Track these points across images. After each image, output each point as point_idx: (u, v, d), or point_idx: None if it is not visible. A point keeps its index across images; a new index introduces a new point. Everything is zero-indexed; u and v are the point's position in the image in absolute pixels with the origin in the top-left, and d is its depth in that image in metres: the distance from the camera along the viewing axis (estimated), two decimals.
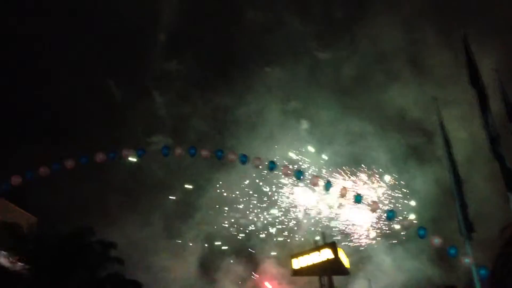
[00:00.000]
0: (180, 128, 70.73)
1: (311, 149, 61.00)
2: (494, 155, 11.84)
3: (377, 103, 67.94)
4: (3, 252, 21.14)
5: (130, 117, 70.42)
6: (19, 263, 20.86)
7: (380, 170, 63.29)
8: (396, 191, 59.23)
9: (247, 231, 62.07)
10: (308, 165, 60.55)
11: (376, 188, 60.38)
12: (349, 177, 58.42)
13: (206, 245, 61.19)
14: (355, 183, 59.73)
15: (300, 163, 59.84)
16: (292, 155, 61.58)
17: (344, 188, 15.45)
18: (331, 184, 15.42)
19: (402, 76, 62.83)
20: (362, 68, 67.14)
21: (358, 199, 14.43)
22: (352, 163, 63.94)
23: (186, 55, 73.22)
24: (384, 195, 59.73)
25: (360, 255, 56.79)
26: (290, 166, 16.97)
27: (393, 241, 53.13)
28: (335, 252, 33.80)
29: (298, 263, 34.77)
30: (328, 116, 64.84)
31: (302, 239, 58.48)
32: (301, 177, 16.04)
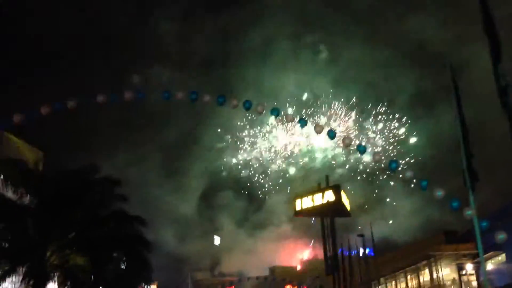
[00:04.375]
0: (183, 56, 68.70)
1: (326, 86, 59.32)
2: (503, 106, 11.47)
3: (396, 34, 65.49)
4: (10, 186, 21.33)
5: (131, 43, 68.49)
6: (26, 197, 21.15)
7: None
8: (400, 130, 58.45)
9: (251, 171, 62.25)
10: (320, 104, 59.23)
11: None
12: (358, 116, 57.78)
13: (208, 179, 61.43)
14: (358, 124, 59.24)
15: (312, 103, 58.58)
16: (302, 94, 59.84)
17: (347, 138, 15.18)
18: (334, 133, 15.17)
19: (425, 6, 59.93)
20: None
21: (362, 148, 14.21)
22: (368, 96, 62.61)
23: None
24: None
25: (373, 197, 57.18)
26: (290, 112, 16.44)
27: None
28: (338, 195, 33.98)
29: (301, 204, 35.07)
30: (346, 46, 62.38)
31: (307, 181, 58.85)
32: (305, 125, 15.72)
